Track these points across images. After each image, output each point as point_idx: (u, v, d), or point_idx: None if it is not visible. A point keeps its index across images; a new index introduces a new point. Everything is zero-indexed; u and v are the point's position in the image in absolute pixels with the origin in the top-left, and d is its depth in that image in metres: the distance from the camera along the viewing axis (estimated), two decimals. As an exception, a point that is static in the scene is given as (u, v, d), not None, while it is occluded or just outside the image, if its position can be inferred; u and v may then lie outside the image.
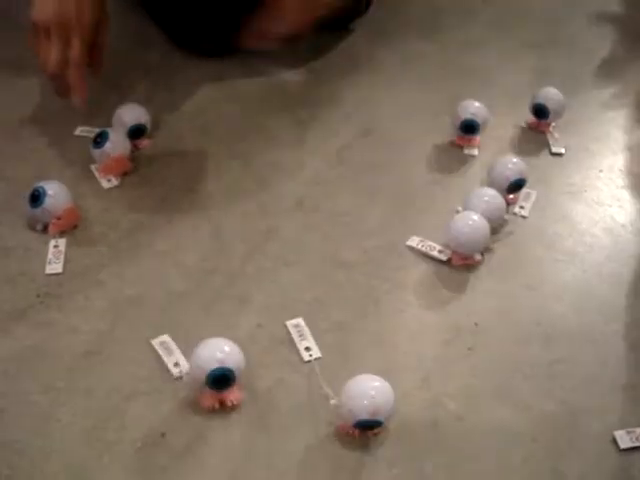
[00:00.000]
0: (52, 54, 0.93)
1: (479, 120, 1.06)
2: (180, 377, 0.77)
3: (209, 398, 0.74)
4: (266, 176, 1.02)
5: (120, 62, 1.15)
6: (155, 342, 0.80)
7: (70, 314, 0.83)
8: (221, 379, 0.72)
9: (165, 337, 0.81)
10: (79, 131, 1.07)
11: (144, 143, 1.05)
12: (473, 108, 1.07)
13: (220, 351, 0.72)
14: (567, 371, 0.81)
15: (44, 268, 0.88)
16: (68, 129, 1.07)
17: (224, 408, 0.74)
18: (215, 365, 0.71)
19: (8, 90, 1.14)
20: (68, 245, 0.91)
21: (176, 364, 0.78)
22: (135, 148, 1.03)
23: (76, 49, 0.94)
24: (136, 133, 1.03)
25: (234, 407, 0.75)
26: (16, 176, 0.99)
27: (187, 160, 1.04)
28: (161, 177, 1.01)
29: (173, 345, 0.80)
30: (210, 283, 0.87)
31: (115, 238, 0.92)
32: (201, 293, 0.86)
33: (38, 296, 0.85)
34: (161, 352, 0.79)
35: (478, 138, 1.09)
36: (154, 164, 1.03)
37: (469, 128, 1.07)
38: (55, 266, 0.88)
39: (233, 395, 0.74)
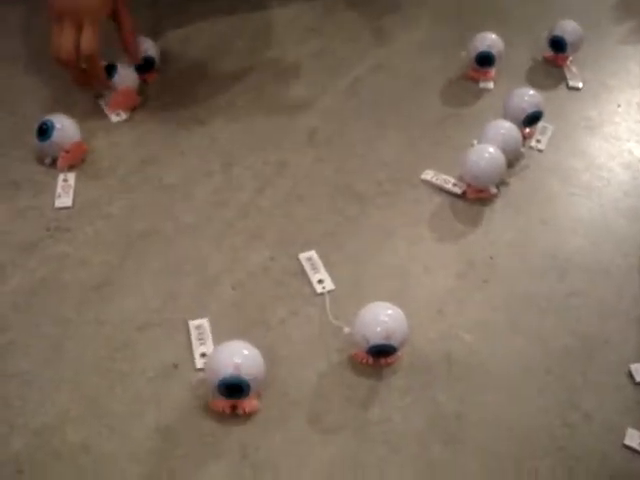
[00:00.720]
0: (63, 42, 0.89)
1: (495, 52, 1.04)
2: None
3: (220, 403, 0.68)
4: (277, 109, 1.01)
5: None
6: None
7: (80, 247, 0.82)
8: (234, 388, 0.66)
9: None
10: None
11: (152, 76, 1.03)
12: (489, 40, 1.04)
13: (238, 356, 0.66)
14: (583, 304, 0.81)
15: (53, 202, 0.87)
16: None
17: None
18: (229, 372, 0.65)
19: (18, 25, 1.12)
20: (77, 179, 0.89)
21: (188, 296, 0.77)
22: (144, 82, 1.01)
23: (87, 37, 0.90)
24: (145, 67, 1.01)
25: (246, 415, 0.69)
26: (25, 112, 0.98)
27: (196, 93, 1.02)
28: (170, 111, 0.99)
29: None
30: (221, 216, 0.86)
31: (124, 172, 0.91)
32: (212, 226, 0.85)
33: (48, 230, 0.84)
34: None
35: (493, 71, 1.07)
36: (163, 98, 1.01)
37: (485, 60, 1.04)
38: (64, 200, 0.87)
39: (248, 404, 0.68)
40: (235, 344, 0.67)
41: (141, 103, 0.99)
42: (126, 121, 0.97)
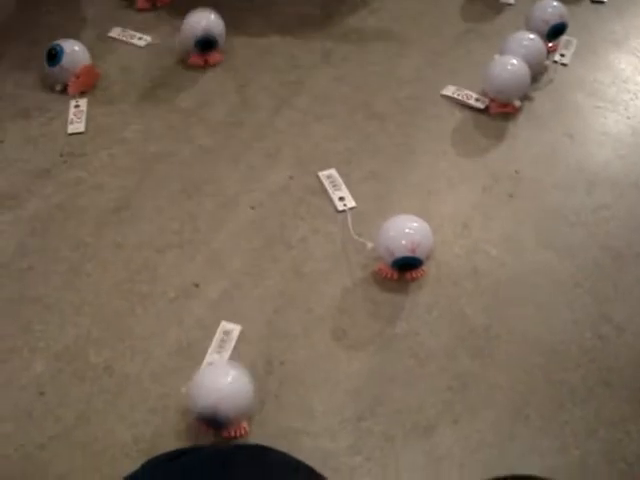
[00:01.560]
0: None
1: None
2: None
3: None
4: (292, 29, 0.98)
5: None
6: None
7: (95, 172, 0.81)
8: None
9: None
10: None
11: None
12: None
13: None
14: (611, 217, 0.78)
15: (66, 128, 0.85)
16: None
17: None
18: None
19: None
20: (89, 104, 0.87)
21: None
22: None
23: None
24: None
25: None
26: (35, 38, 0.95)
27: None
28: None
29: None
30: (237, 137, 0.84)
31: (137, 96, 0.89)
32: (229, 147, 0.83)
33: (61, 155, 0.82)
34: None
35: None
36: (175, 23, 0.98)
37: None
38: (77, 125, 0.85)
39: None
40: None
41: (154, 26, 0.96)
42: (138, 47, 0.94)
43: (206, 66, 0.92)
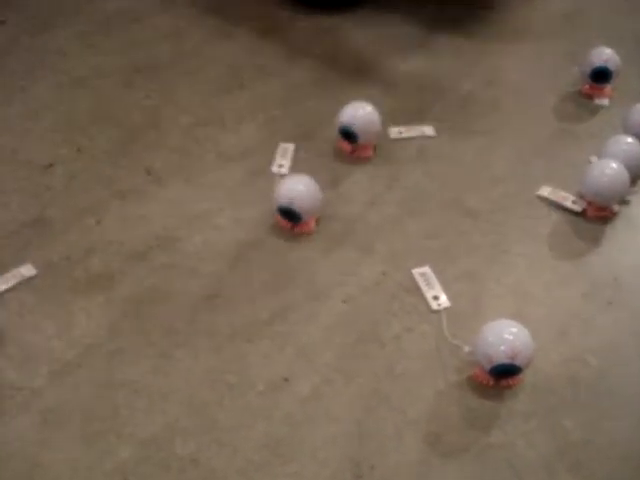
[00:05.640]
0: None
1: (612, 67, 1.00)
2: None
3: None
4: (385, 124, 0.98)
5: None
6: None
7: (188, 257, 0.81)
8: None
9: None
10: None
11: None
12: (606, 55, 1.00)
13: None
14: None
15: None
16: None
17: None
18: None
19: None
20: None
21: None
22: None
23: None
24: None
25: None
26: (131, 124, 0.98)
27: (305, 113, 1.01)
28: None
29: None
30: (330, 229, 0.84)
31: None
32: (321, 239, 0.83)
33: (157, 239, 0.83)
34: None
35: (609, 87, 1.03)
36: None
37: (601, 76, 1.00)
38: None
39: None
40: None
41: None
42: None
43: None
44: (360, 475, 0.63)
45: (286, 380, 0.70)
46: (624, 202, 0.87)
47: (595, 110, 1.01)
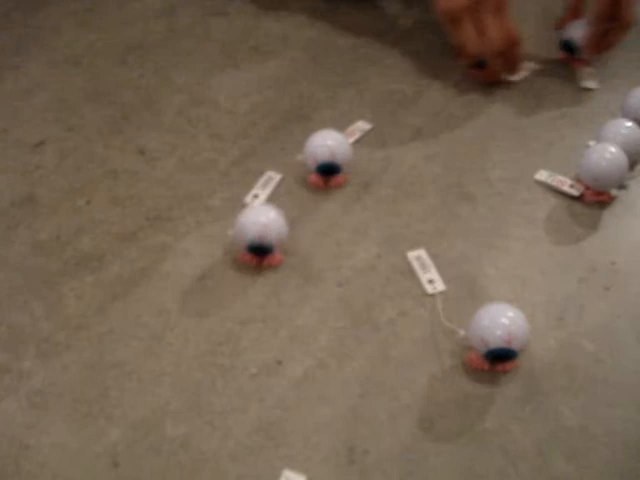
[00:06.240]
0: (468, 38, 0.92)
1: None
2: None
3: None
4: (382, 106, 0.97)
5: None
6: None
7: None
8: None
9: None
10: None
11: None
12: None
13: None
14: None
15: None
16: None
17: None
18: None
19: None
20: (177, 170, 0.87)
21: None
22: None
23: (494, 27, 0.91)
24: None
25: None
26: (123, 101, 0.96)
27: (299, 97, 1.00)
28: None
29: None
30: (324, 211, 0.83)
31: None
32: (314, 220, 0.82)
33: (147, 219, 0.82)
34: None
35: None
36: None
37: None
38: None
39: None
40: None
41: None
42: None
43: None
44: (353, 459, 0.62)
45: (279, 363, 0.69)
46: (622, 187, 0.86)
47: (589, 94, 1.00)
